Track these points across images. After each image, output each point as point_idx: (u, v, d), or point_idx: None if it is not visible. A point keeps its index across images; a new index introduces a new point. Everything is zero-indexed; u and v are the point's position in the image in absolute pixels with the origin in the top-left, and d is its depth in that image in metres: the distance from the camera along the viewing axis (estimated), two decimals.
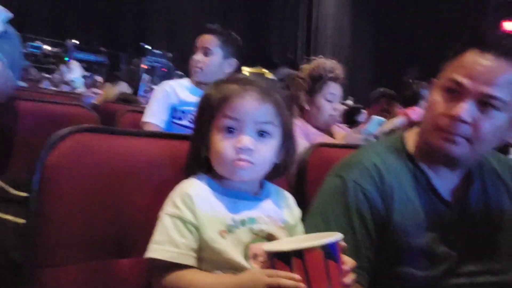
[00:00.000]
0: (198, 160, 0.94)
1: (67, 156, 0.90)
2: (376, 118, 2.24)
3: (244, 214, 0.91)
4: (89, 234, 0.91)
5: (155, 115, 2.16)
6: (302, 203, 1.06)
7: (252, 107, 0.90)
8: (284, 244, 0.78)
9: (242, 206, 0.92)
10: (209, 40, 2.18)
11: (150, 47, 10.26)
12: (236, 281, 0.79)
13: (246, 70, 10.91)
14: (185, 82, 2.26)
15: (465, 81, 0.96)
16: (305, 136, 2.09)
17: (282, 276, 0.73)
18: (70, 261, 0.88)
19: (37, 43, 10.04)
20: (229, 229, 0.88)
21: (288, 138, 0.96)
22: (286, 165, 0.99)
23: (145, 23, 12.31)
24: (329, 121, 2.22)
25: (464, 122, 0.96)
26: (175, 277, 0.84)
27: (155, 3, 12.21)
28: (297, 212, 1.02)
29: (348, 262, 0.79)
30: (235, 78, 0.96)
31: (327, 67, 2.17)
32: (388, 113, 3.49)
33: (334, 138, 2.27)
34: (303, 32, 13.41)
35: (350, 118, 4.11)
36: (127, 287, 0.94)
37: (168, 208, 0.89)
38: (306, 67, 2.27)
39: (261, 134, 0.91)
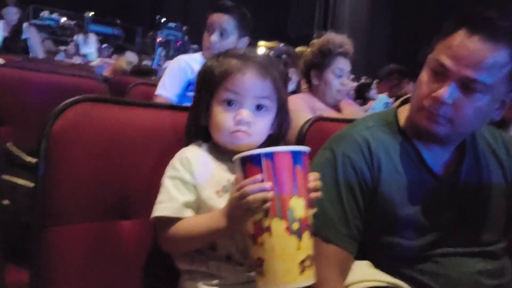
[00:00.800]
0: (197, 128, 1.00)
1: (72, 124, 0.95)
2: (383, 97, 2.24)
3: None
4: (92, 196, 0.97)
5: (167, 89, 2.18)
6: None
7: (251, 82, 0.94)
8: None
9: None
10: (226, 20, 2.15)
11: (165, 20, 10.23)
12: (223, 210, 0.87)
13: (262, 45, 10.84)
14: (198, 56, 2.26)
15: (449, 63, 0.98)
16: (311, 111, 2.11)
17: (247, 183, 0.79)
18: (74, 221, 0.94)
19: (54, 15, 10.08)
20: (225, 189, 0.95)
21: (282, 112, 1.01)
22: (279, 137, 1.03)
23: None
24: (337, 96, 2.23)
25: (445, 103, 0.98)
26: (175, 228, 0.92)
27: None
28: None
29: (315, 175, 0.85)
30: (236, 52, 0.99)
31: (336, 42, 2.18)
32: (399, 89, 3.48)
33: (342, 114, 2.28)
34: (320, 8, 13.20)
35: (361, 95, 4.10)
36: (128, 246, 1.01)
37: (168, 171, 0.96)
38: (315, 42, 2.27)
39: (259, 107, 0.96)
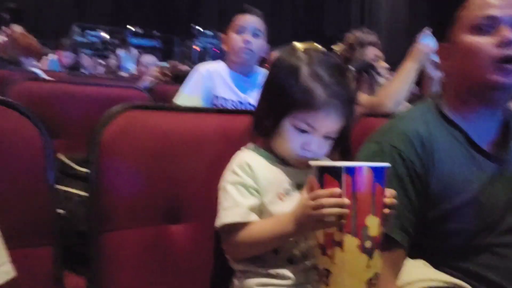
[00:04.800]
0: (260, 133, 1.00)
1: (120, 132, 0.98)
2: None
3: (300, 180, 0.96)
4: (143, 202, 0.99)
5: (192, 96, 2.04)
6: None
7: (332, 123, 0.94)
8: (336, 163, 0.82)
9: (297, 173, 0.97)
10: (258, 22, 2.09)
11: (201, 29, 10.39)
12: (291, 215, 0.86)
13: (297, 46, 10.85)
14: (222, 66, 2.13)
15: (494, 11, 1.00)
16: None
17: (324, 195, 0.77)
18: (127, 226, 0.97)
19: (96, 32, 10.46)
20: (287, 192, 0.95)
21: (347, 135, 1.00)
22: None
23: (197, 5, 12.45)
24: (380, 81, 2.28)
25: None
26: (242, 234, 0.91)
27: None
28: None
29: (391, 192, 0.83)
30: (321, 75, 0.92)
31: (363, 35, 2.42)
32: None
33: None
34: (356, 7, 13.04)
35: None
36: (179, 249, 1.02)
37: (229, 177, 0.96)
38: (341, 45, 2.48)
39: (327, 137, 0.96)
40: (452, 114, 1.10)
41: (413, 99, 1.99)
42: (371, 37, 2.42)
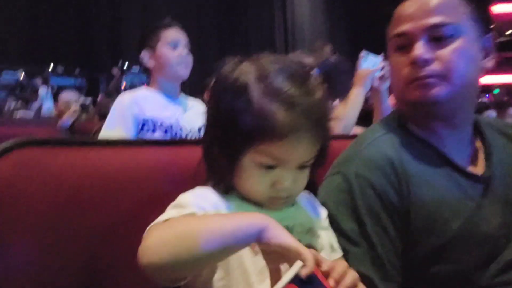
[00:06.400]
0: (216, 176, 0.77)
1: (8, 176, 0.72)
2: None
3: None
4: (49, 273, 0.73)
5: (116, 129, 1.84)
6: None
7: (305, 152, 0.73)
8: None
9: (272, 216, 0.71)
10: (186, 37, 1.96)
11: (127, 65, 10.10)
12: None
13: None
14: (148, 90, 1.96)
15: (405, 27, 0.90)
16: None
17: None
18: None
19: (13, 72, 9.83)
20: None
21: (323, 158, 0.79)
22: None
23: (118, 40, 12.13)
24: None
25: (426, 61, 0.87)
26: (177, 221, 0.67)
27: (128, 21, 12.07)
28: (323, 212, 0.86)
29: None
30: (278, 91, 0.70)
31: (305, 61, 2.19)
32: None
33: None
34: (279, 32, 13.39)
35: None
36: None
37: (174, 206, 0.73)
38: None
39: (302, 167, 0.75)
40: (420, 131, 0.94)
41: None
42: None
